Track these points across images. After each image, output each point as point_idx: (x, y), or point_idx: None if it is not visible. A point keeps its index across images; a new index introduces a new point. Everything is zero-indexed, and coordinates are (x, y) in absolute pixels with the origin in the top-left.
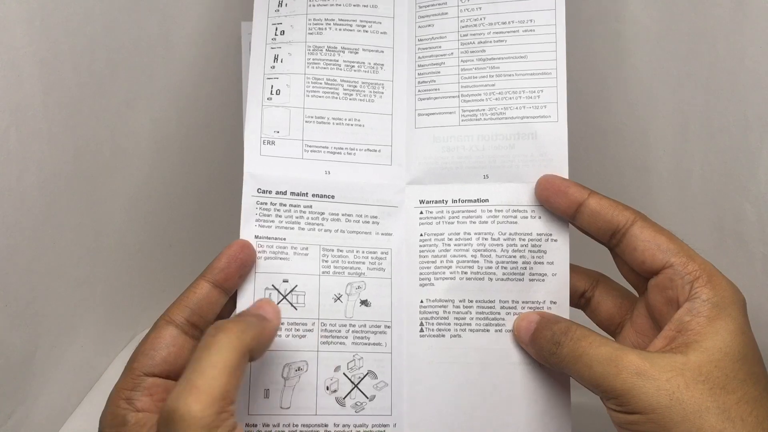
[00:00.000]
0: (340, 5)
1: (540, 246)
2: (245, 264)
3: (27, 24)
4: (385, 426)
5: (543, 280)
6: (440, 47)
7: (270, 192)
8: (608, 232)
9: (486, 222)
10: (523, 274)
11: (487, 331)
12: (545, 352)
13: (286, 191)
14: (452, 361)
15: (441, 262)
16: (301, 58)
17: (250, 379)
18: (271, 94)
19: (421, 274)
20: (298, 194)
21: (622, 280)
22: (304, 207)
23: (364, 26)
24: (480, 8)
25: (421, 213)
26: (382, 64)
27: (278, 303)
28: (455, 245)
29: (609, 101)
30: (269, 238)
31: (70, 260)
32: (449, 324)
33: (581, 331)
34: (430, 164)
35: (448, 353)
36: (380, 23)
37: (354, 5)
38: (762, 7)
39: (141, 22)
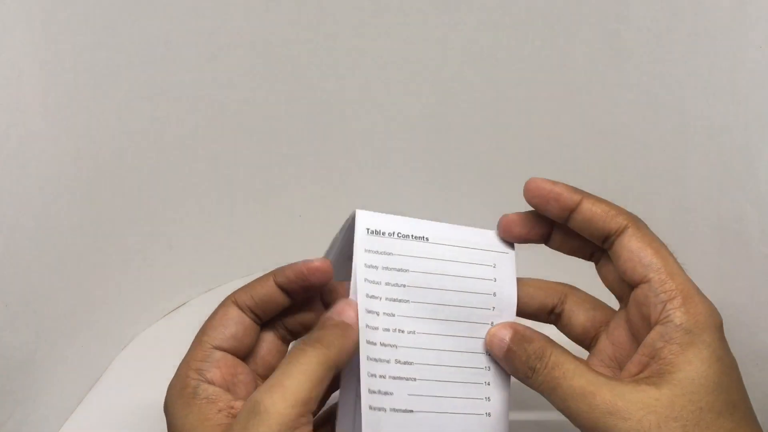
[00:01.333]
0: None
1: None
2: (311, 286)
3: (27, 24)
4: None
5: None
6: None
7: None
8: (600, 238)
9: None
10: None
11: None
12: (520, 375)
13: None
14: None
15: None
16: None
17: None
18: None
19: None
20: None
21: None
22: None
23: None
24: None
25: None
26: None
27: None
28: None
29: (609, 101)
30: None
31: (70, 260)
32: None
33: (555, 357)
34: None
35: None
36: None
37: None
38: (762, 7)
39: (141, 22)
